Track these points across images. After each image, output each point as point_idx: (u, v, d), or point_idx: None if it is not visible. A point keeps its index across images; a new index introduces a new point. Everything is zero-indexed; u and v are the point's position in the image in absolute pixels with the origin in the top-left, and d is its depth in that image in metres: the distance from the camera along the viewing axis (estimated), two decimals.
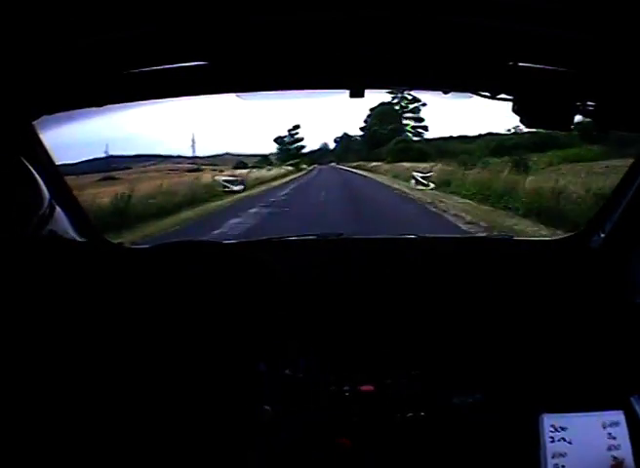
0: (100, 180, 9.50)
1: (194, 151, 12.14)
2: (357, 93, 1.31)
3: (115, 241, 1.74)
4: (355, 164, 14.14)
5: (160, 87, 1.23)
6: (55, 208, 1.30)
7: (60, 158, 1.53)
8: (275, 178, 13.40)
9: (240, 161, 12.59)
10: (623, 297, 1.40)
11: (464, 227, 7.01)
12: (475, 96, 1.28)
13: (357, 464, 1.29)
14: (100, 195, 7.69)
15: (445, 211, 8.37)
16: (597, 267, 1.51)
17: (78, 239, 1.47)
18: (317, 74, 1.23)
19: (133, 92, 1.24)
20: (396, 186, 11.21)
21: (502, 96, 1.23)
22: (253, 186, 11.62)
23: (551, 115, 1.22)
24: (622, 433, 0.99)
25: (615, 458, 0.97)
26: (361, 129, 14.20)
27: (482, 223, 7.21)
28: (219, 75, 1.19)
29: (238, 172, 11.88)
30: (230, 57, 1.08)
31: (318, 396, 1.35)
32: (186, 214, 8.97)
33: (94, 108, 1.26)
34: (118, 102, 1.28)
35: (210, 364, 1.21)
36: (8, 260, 1.14)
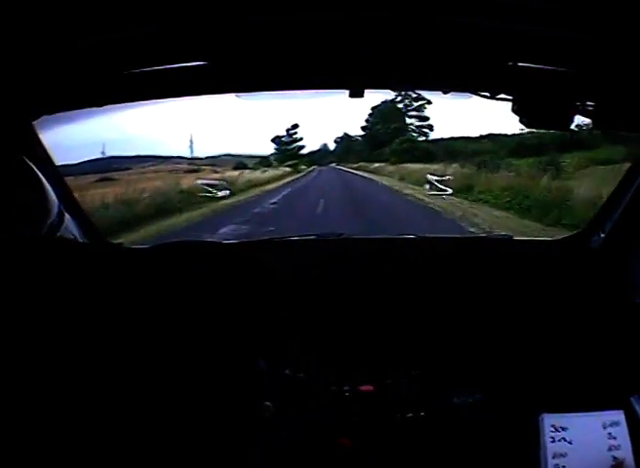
0: (96, 182, 9.12)
1: (192, 152, 11.76)
2: (357, 93, 1.31)
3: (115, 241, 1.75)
4: (356, 165, 13.58)
5: (160, 87, 1.23)
6: (56, 208, 1.30)
7: (61, 158, 1.53)
8: (270, 181, 12.55)
9: (240, 162, 12.30)
10: (623, 297, 1.41)
11: None
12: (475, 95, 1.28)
13: (357, 464, 1.29)
14: (90, 196, 6.77)
15: (488, 230, 6.48)
16: (597, 267, 1.51)
17: (78, 239, 1.47)
18: (317, 74, 1.23)
19: (133, 92, 1.24)
20: (407, 191, 10.01)
21: (502, 96, 1.23)
22: (242, 190, 10.81)
23: (551, 115, 1.22)
24: (623, 433, 0.99)
25: (615, 458, 0.98)
26: (362, 128, 13.59)
27: None
28: (218, 75, 1.19)
29: (228, 174, 11.37)
30: (230, 57, 1.08)
31: (318, 396, 1.35)
32: (132, 235, 6.43)
33: (94, 108, 1.26)
34: (118, 103, 1.28)
35: (210, 363, 1.21)
36: (8, 260, 1.14)
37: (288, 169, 13.32)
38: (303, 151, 13.35)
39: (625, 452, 0.98)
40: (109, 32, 0.89)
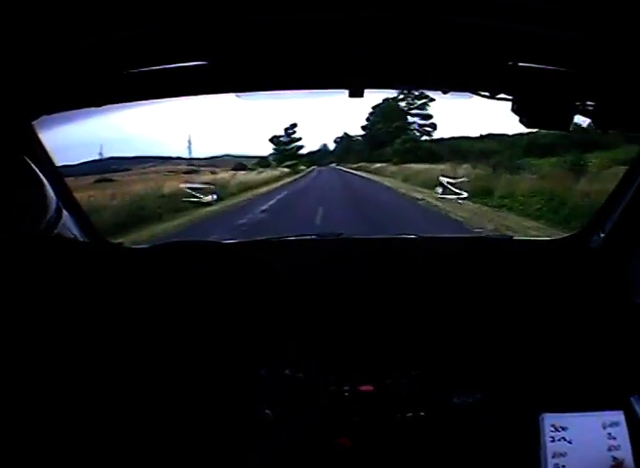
0: (95, 182, 8.86)
1: (190, 152, 11.34)
2: (357, 93, 1.31)
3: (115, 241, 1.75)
4: (356, 165, 13.13)
5: (160, 87, 1.23)
6: (55, 207, 1.30)
7: (61, 159, 1.53)
8: (266, 183, 11.69)
9: (239, 162, 12.04)
10: (623, 297, 1.41)
11: None
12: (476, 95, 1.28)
13: (357, 464, 1.29)
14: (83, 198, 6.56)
15: None
16: (597, 267, 1.51)
17: (78, 239, 1.47)
18: (317, 74, 1.23)
19: (132, 92, 1.24)
20: (416, 195, 8.98)
21: (502, 96, 1.23)
22: (233, 194, 10.02)
23: (551, 115, 1.22)
24: (622, 433, 0.99)
25: (615, 459, 0.97)
26: (363, 127, 13.09)
27: None
28: (218, 75, 1.19)
29: (221, 175, 10.82)
30: (230, 57, 1.08)
31: (318, 396, 1.35)
32: None
33: (93, 108, 1.26)
34: (118, 102, 1.28)
35: (209, 364, 1.21)
36: (8, 260, 1.14)
37: (286, 169, 12.78)
38: (303, 151, 12.94)
39: (625, 453, 0.98)
40: (109, 32, 0.89)
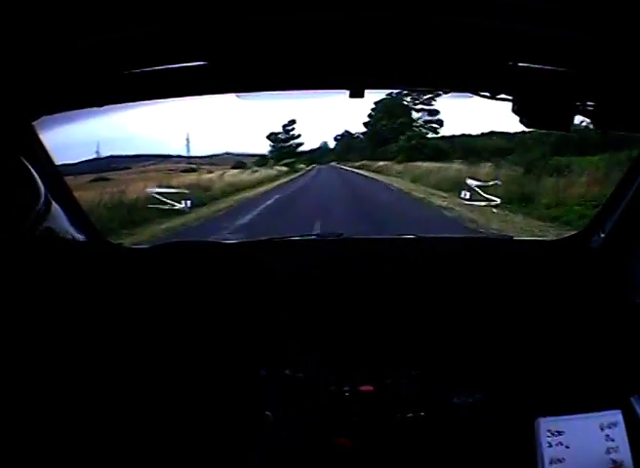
0: (91, 181, 8.53)
1: (189, 151, 10.78)
2: (357, 93, 1.30)
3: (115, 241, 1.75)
4: (358, 163, 12.39)
5: (160, 87, 1.23)
6: (55, 207, 1.30)
7: (61, 158, 1.53)
8: (261, 183, 10.52)
9: (239, 160, 11.56)
10: (623, 297, 1.41)
11: None
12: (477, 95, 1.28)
13: (357, 464, 1.29)
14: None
15: None
16: (597, 267, 1.51)
17: (78, 239, 1.47)
18: (317, 74, 1.23)
19: (133, 92, 1.24)
20: (438, 201, 7.58)
21: (502, 96, 1.23)
22: (215, 199, 8.80)
23: (551, 115, 1.21)
24: (621, 434, 0.97)
25: (614, 461, 0.95)
26: (364, 124, 12.21)
27: None
28: (219, 75, 1.19)
29: (207, 176, 9.87)
30: (230, 57, 1.08)
31: (318, 396, 1.35)
32: None
33: (94, 108, 1.26)
34: (118, 102, 1.28)
35: (210, 364, 1.21)
36: (7, 260, 1.14)
37: (284, 168, 11.93)
38: (303, 149, 12.14)
39: (624, 454, 0.96)
40: (109, 32, 0.89)
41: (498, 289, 1.50)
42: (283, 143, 11.82)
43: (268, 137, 11.49)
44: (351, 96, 1.30)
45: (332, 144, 12.80)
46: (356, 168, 12.34)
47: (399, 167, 10.74)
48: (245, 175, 10.62)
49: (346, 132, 12.48)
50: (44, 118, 1.27)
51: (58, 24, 0.84)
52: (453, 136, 10.84)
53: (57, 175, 1.43)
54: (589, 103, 1.18)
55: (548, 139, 8.09)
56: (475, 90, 1.28)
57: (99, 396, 1.21)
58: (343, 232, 1.77)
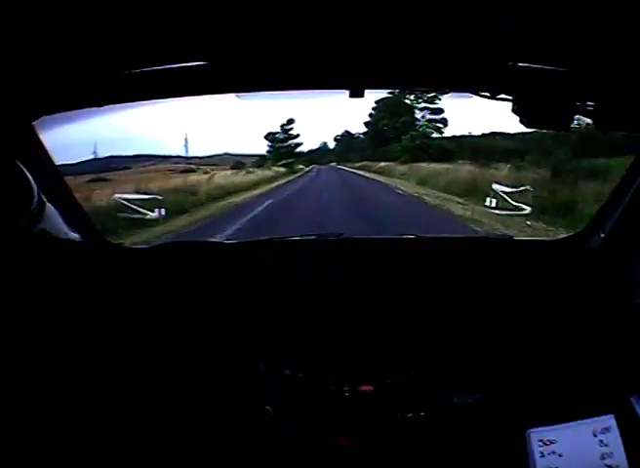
0: (88, 182, 8.28)
1: (187, 151, 10.41)
2: (357, 93, 1.31)
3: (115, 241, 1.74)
4: (359, 164, 12.02)
5: (160, 87, 1.23)
6: (55, 207, 1.30)
7: (61, 158, 1.53)
8: (256, 185, 9.61)
9: (238, 161, 11.33)
10: (623, 297, 1.40)
11: None
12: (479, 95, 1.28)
13: (357, 464, 1.29)
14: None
15: None
16: (597, 267, 1.51)
17: (78, 239, 1.47)
18: (317, 74, 1.23)
19: (133, 92, 1.24)
20: (458, 211, 6.63)
21: (502, 96, 1.23)
22: (199, 205, 8.02)
23: (551, 115, 1.22)
24: (615, 439, 0.95)
25: (609, 467, 0.93)
26: (365, 124, 11.80)
27: None
28: (219, 75, 1.19)
29: (195, 177, 9.03)
30: (230, 57, 1.08)
31: (318, 396, 1.35)
32: None
33: (94, 108, 1.26)
34: (118, 102, 1.28)
35: (210, 364, 1.21)
36: (6, 260, 1.14)
37: (282, 169, 11.39)
38: (302, 150, 11.82)
39: (619, 459, 0.93)
40: (109, 32, 0.89)
41: (498, 289, 1.50)
42: (281, 143, 11.43)
43: (266, 137, 11.08)
44: (351, 95, 1.30)
45: (332, 145, 12.66)
46: (357, 168, 11.94)
47: (403, 168, 10.17)
48: (238, 177, 9.80)
49: (346, 132, 12.28)
50: (44, 118, 1.27)
51: (58, 24, 0.84)
52: (460, 137, 10.30)
53: (56, 175, 1.43)
54: (589, 103, 1.18)
55: (569, 139, 7.25)
56: (475, 90, 1.28)
57: (98, 396, 1.21)
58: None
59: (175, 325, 1.25)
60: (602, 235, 1.53)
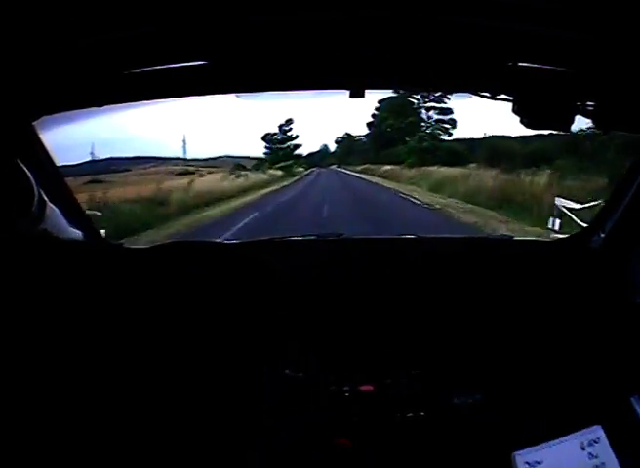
0: (85, 184, 7.83)
1: (185, 153, 10.07)
2: (357, 93, 1.31)
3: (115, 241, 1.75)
4: (361, 167, 11.47)
5: (160, 87, 1.23)
6: (55, 208, 1.30)
7: (61, 159, 1.53)
8: (244, 191, 8.13)
9: (238, 163, 11.27)
10: (623, 297, 1.40)
11: None
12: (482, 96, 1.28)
13: (357, 464, 1.29)
14: None
15: None
16: (597, 267, 1.51)
17: (77, 239, 1.47)
18: (317, 74, 1.24)
19: (133, 92, 1.24)
20: (507, 232, 5.20)
21: (502, 96, 1.23)
22: (165, 220, 6.16)
23: (551, 115, 1.22)
24: (604, 449, 0.93)
25: None
26: (368, 125, 11.17)
27: None
28: (219, 75, 1.19)
29: (175, 182, 7.84)
30: (230, 57, 1.08)
31: (318, 396, 1.35)
32: None
33: (94, 108, 1.26)
34: (118, 102, 1.28)
35: (209, 364, 1.21)
36: (7, 260, 1.14)
37: (279, 172, 10.57)
38: (302, 152, 11.38)
39: None
40: (109, 32, 0.89)
41: (498, 289, 1.50)
42: (279, 145, 10.81)
43: (264, 139, 10.49)
44: (351, 96, 1.30)
45: (332, 147, 12.42)
46: (359, 172, 11.30)
47: (410, 172, 9.35)
48: (226, 182, 8.62)
49: (347, 134, 11.98)
50: (44, 118, 1.27)
51: (58, 24, 0.84)
52: (473, 139, 9.39)
53: (56, 176, 1.43)
54: (589, 103, 1.18)
55: (612, 141, 6.25)
56: (475, 90, 1.28)
57: (98, 396, 1.20)
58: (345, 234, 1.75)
59: (175, 325, 1.25)
60: (602, 235, 1.53)
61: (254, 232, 5.96)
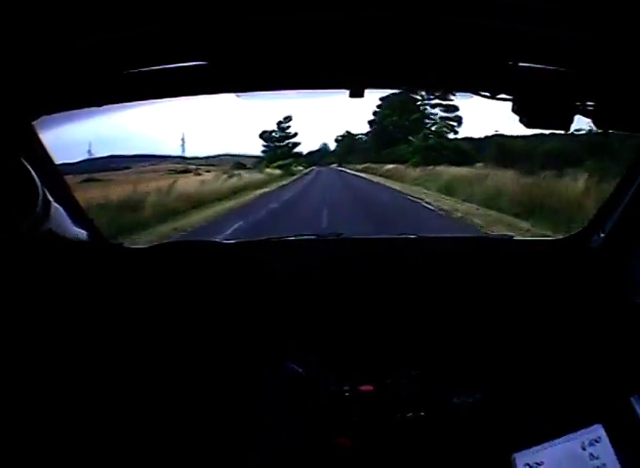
0: (82, 182, 7.50)
1: (184, 151, 9.64)
2: (357, 93, 1.31)
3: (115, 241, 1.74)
4: (362, 166, 11.07)
5: (160, 87, 1.23)
6: (55, 207, 1.30)
7: (60, 158, 1.53)
8: (235, 192, 7.29)
9: (238, 161, 10.91)
10: (623, 297, 1.40)
11: None
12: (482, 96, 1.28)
13: (357, 464, 1.29)
14: None
15: None
16: (597, 267, 1.51)
17: (78, 239, 1.47)
18: (317, 74, 1.24)
19: (133, 92, 1.24)
20: None
21: (502, 96, 1.23)
22: (130, 231, 5.29)
23: (551, 115, 1.22)
24: (605, 450, 0.92)
25: None
26: (369, 122, 10.62)
27: None
28: (219, 75, 1.19)
29: (156, 183, 6.99)
30: (230, 57, 1.08)
31: (318, 396, 1.35)
32: None
33: (93, 108, 1.26)
34: (118, 102, 1.28)
35: (210, 364, 1.21)
36: (7, 260, 1.14)
37: (277, 171, 10.11)
38: (301, 151, 11.03)
39: None
40: (109, 32, 0.89)
41: (498, 289, 1.50)
42: (278, 143, 10.35)
43: (261, 136, 9.98)
44: (351, 95, 1.30)
45: (332, 146, 12.28)
46: (360, 171, 10.95)
47: (415, 172, 8.68)
48: (217, 182, 7.99)
49: (347, 132, 11.52)
50: (44, 118, 1.27)
51: (58, 24, 0.84)
52: (480, 138, 8.71)
53: (56, 175, 1.43)
54: (589, 103, 1.18)
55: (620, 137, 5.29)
56: (475, 90, 1.28)
57: (98, 396, 1.21)
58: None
59: (175, 324, 1.25)
60: (602, 235, 1.52)
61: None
